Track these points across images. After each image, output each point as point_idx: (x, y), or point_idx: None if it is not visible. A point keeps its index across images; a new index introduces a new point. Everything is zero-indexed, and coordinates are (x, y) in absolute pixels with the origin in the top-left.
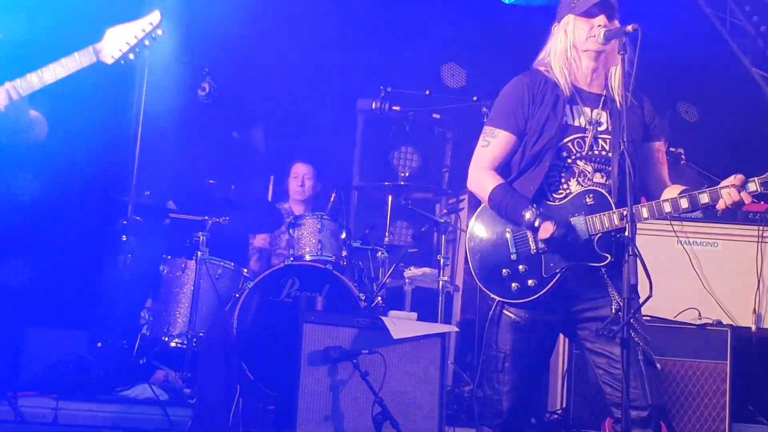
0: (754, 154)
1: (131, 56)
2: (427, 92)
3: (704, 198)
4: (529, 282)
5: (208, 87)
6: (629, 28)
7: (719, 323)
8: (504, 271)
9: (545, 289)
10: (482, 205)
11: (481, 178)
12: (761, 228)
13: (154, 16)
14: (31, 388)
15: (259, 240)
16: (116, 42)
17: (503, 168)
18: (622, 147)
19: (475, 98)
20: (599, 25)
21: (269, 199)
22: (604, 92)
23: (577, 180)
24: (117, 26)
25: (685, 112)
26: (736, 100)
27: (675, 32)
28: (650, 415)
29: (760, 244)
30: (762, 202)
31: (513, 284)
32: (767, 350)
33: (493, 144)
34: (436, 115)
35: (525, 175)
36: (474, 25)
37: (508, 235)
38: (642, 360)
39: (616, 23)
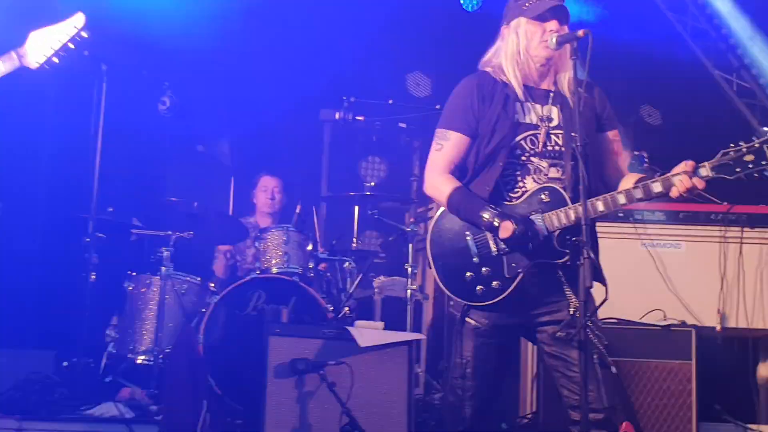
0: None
1: (56, 60)
2: (390, 101)
3: (657, 187)
4: (493, 284)
5: (168, 101)
6: (580, 33)
7: (684, 324)
8: (467, 274)
9: (509, 290)
10: (440, 211)
11: (437, 182)
12: (724, 228)
13: (78, 19)
14: None
15: (225, 248)
16: (40, 46)
17: (459, 170)
18: (574, 145)
19: (438, 107)
20: (551, 30)
21: (230, 212)
22: (554, 88)
23: (532, 177)
24: (40, 30)
25: (649, 116)
26: (699, 102)
27: (637, 36)
28: (605, 417)
29: (722, 244)
30: (724, 203)
31: (477, 287)
32: (732, 349)
33: (446, 147)
34: (402, 124)
35: (480, 176)
36: (438, 33)
37: (468, 239)
38: (597, 363)
39: (566, 28)
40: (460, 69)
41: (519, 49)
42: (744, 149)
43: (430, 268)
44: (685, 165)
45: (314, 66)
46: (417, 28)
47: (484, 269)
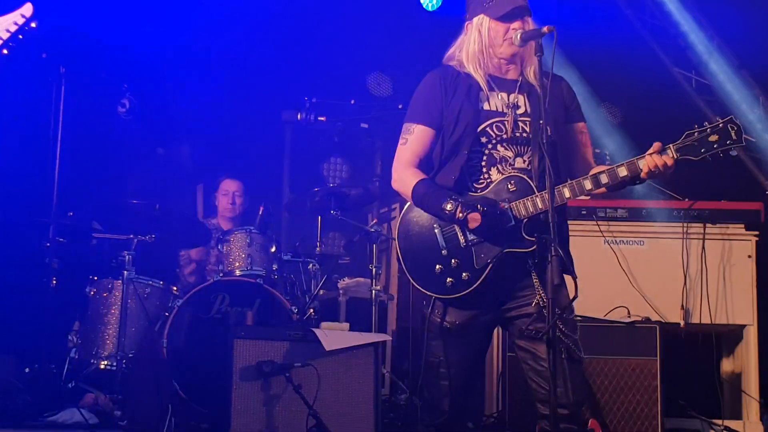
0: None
1: (5, 51)
2: (353, 102)
3: (623, 171)
4: (463, 275)
5: (128, 103)
6: (545, 29)
7: (648, 320)
8: (437, 267)
9: (479, 281)
10: (407, 205)
11: (404, 176)
12: (686, 225)
13: (26, 9)
14: None
15: (196, 251)
16: None
17: (426, 163)
18: (541, 135)
19: (401, 106)
20: (514, 29)
21: (200, 213)
22: (520, 78)
23: (497, 168)
24: None
25: (609, 113)
26: (659, 100)
27: (597, 34)
28: (572, 412)
29: (685, 240)
30: (685, 199)
31: (448, 279)
32: (696, 345)
33: (411, 140)
34: (364, 125)
35: (446, 167)
36: (398, 33)
37: (436, 231)
38: (565, 357)
39: (530, 24)
40: (420, 68)
41: (482, 47)
42: (708, 130)
43: (400, 263)
44: (653, 147)
45: (274, 68)
46: (377, 28)
47: (453, 261)
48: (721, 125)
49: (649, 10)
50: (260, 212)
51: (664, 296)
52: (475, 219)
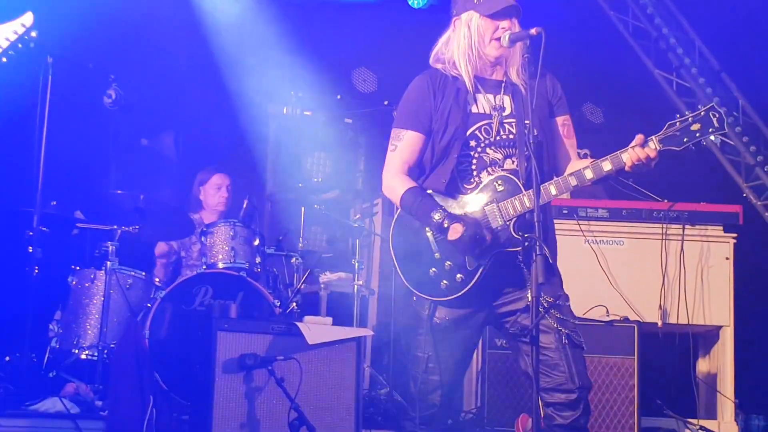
0: (659, 155)
1: (4, 60)
2: (339, 97)
3: (607, 165)
4: (457, 277)
5: (114, 94)
6: (533, 31)
7: (626, 320)
8: (431, 270)
9: (473, 281)
10: (398, 211)
11: (393, 183)
12: (665, 226)
13: (27, 18)
14: None
15: (160, 247)
16: None
17: (415, 169)
18: (527, 133)
19: (386, 102)
20: (503, 28)
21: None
22: (505, 78)
23: (487, 171)
24: None
25: (591, 114)
26: (640, 101)
27: (579, 34)
28: (578, 396)
29: (664, 241)
30: (665, 200)
31: (442, 282)
32: (673, 345)
33: (400, 147)
34: (348, 120)
35: (436, 170)
36: (383, 29)
37: (428, 235)
38: (567, 344)
39: (517, 26)
40: (405, 65)
41: (471, 43)
42: (690, 119)
43: (395, 267)
44: (635, 140)
45: (260, 61)
46: (362, 25)
47: (447, 263)
48: (702, 113)
49: (632, 12)
50: (244, 205)
51: (642, 296)
52: (456, 230)
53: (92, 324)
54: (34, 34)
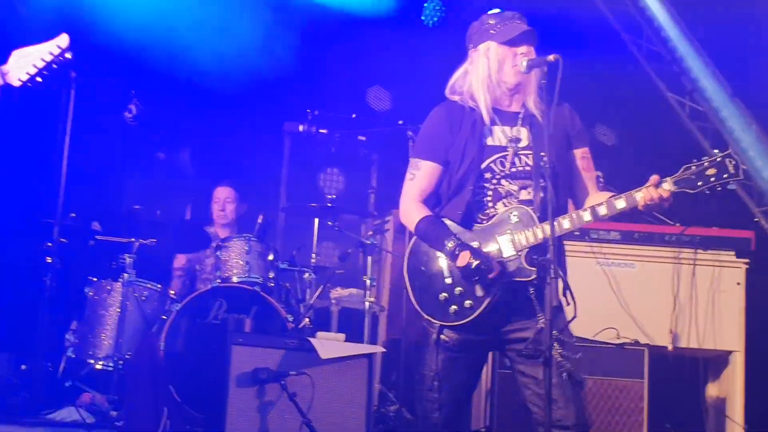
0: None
1: (39, 79)
2: (354, 115)
3: (621, 203)
4: (466, 303)
5: (135, 109)
6: (551, 57)
7: (637, 342)
8: (442, 295)
9: (481, 308)
10: (414, 238)
11: (409, 211)
12: (677, 250)
13: (62, 40)
14: None
15: (179, 260)
16: (23, 65)
17: (432, 198)
18: (543, 164)
19: (401, 122)
20: (522, 54)
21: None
22: (522, 110)
23: (503, 202)
24: (24, 48)
25: (603, 136)
26: (653, 123)
27: (593, 56)
28: None
29: (676, 265)
30: (677, 224)
31: (451, 307)
32: (683, 369)
33: (418, 176)
34: (361, 138)
35: (452, 202)
36: (398, 48)
37: (441, 261)
38: (567, 379)
39: (533, 54)
40: (419, 83)
41: (489, 72)
42: (706, 163)
43: (407, 290)
44: (650, 180)
45: (276, 79)
46: (377, 43)
47: (457, 289)
48: (718, 159)
49: (646, 35)
50: (259, 220)
51: (653, 319)
52: (464, 257)
53: (108, 335)
54: (68, 55)
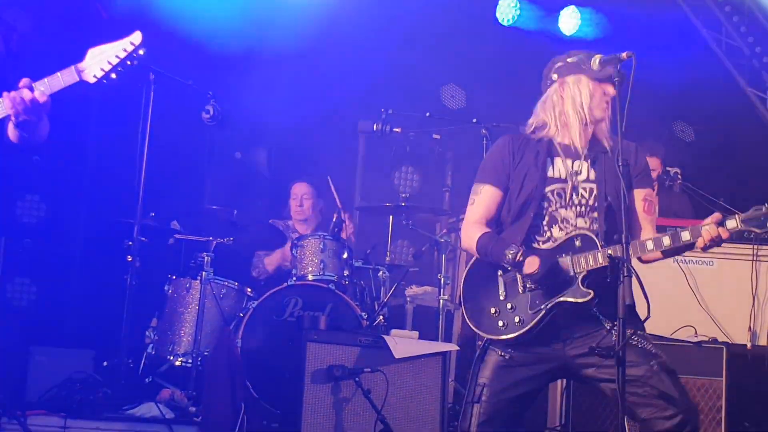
0: (750, 174)
1: (113, 75)
2: (428, 114)
3: (686, 235)
4: (515, 319)
5: (212, 110)
6: (624, 55)
7: (715, 341)
8: (492, 310)
9: (530, 325)
10: (473, 258)
11: (470, 232)
12: (756, 247)
13: (136, 37)
14: (40, 407)
15: (273, 261)
16: (98, 62)
17: (492, 224)
18: (619, 173)
19: (474, 120)
20: (608, 93)
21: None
22: (587, 145)
23: (559, 227)
24: (99, 46)
25: (682, 132)
26: (732, 119)
27: (672, 52)
28: (684, 419)
29: (755, 262)
30: None
31: (500, 322)
32: (762, 367)
33: (478, 200)
34: (436, 136)
35: (512, 227)
36: (473, 46)
37: (499, 279)
38: (658, 370)
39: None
40: (493, 82)
41: (580, 104)
42: None
43: (460, 305)
44: (712, 217)
45: (351, 78)
46: (452, 41)
47: (508, 305)
48: None
49: (726, 30)
50: (334, 219)
51: (731, 317)
52: (532, 263)
53: (187, 332)
54: (141, 52)
